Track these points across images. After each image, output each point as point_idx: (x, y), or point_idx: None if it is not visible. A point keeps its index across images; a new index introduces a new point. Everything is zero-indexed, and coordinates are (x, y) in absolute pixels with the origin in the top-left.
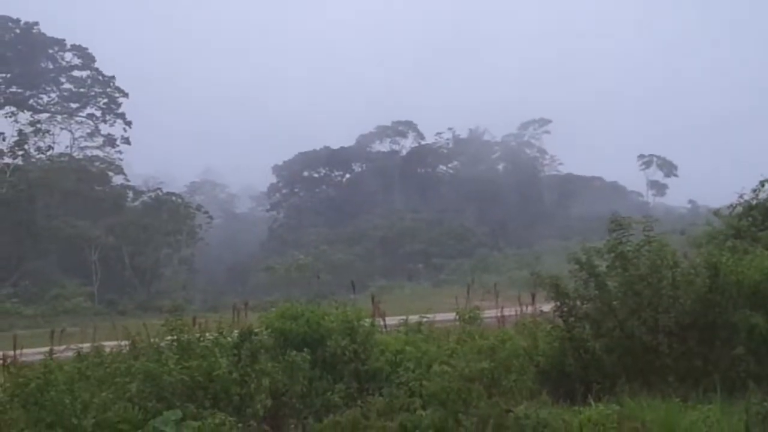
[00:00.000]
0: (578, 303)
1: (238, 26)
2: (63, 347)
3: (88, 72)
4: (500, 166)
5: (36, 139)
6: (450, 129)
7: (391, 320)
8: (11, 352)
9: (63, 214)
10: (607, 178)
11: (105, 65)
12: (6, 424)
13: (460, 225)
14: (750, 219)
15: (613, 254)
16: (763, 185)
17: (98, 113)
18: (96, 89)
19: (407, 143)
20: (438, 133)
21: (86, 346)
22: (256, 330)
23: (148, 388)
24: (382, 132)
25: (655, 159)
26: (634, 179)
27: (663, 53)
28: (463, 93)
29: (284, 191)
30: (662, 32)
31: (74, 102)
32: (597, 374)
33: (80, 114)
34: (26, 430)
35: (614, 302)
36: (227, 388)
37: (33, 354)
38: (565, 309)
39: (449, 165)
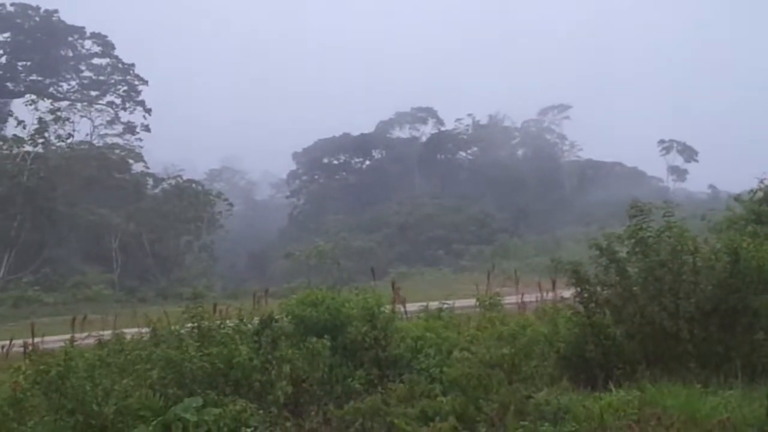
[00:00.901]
0: (599, 289)
1: (258, 13)
2: (84, 334)
3: (108, 60)
4: (520, 152)
5: (56, 127)
6: (470, 115)
7: (412, 307)
8: (32, 340)
9: (83, 202)
10: (627, 163)
11: (124, 53)
12: (27, 411)
13: (480, 211)
14: None
15: (633, 240)
16: None
17: (118, 101)
18: (116, 77)
19: (427, 129)
20: (458, 120)
21: (107, 334)
22: (276, 317)
23: (168, 375)
24: (402, 118)
25: (675, 144)
26: (654, 165)
27: (683, 37)
28: (483, 79)
29: (304, 178)
30: (683, 16)
31: (94, 90)
32: (618, 360)
33: (100, 102)
34: (47, 417)
35: (635, 288)
36: (248, 375)
37: (54, 341)
38: (586, 295)
39: (469, 151)
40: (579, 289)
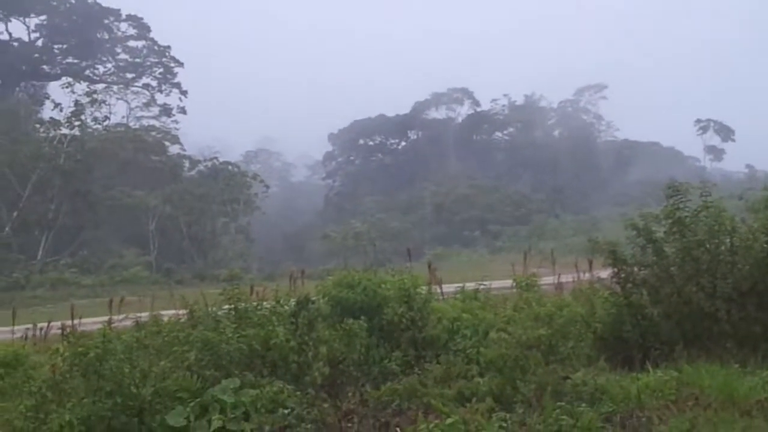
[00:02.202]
0: (636, 269)
1: None
2: (121, 316)
3: (144, 42)
4: (556, 133)
5: (93, 109)
6: (506, 95)
7: (448, 288)
8: (70, 322)
9: (120, 184)
10: (663, 143)
11: (160, 35)
12: (66, 393)
13: (517, 192)
14: None
15: (670, 220)
16: None
17: (154, 83)
18: (151, 59)
19: (463, 110)
20: (494, 100)
21: (144, 315)
22: (313, 298)
23: (206, 356)
24: (438, 99)
25: (712, 124)
26: (691, 144)
27: (720, 16)
28: (520, 59)
29: (340, 159)
30: None
31: (130, 72)
32: (655, 340)
33: (136, 84)
34: (86, 399)
35: (672, 268)
36: (285, 356)
37: (92, 323)
38: (623, 275)
39: (505, 132)
40: (616, 269)
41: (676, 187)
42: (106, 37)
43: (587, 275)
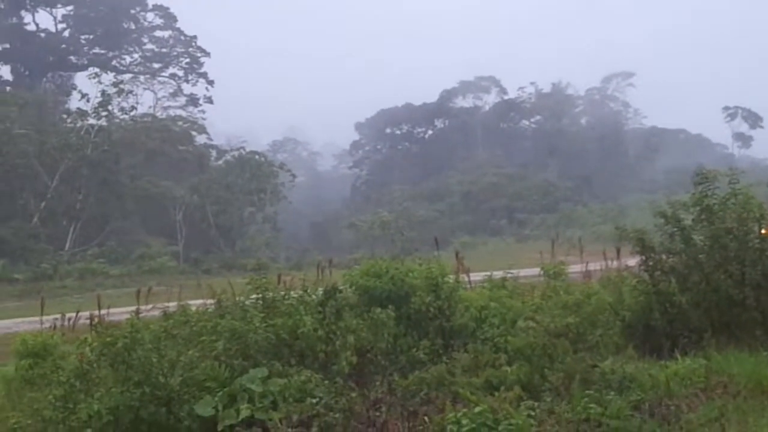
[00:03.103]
0: (664, 257)
1: None
2: (149, 306)
3: (170, 32)
4: (584, 120)
5: (119, 99)
6: (533, 83)
7: (475, 276)
8: (98, 312)
9: (147, 174)
10: (691, 130)
11: (186, 25)
12: (94, 382)
13: (544, 180)
14: None
15: (698, 207)
16: None
17: (180, 73)
18: (178, 49)
19: (490, 99)
20: (520, 88)
21: (172, 305)
22: (340, 287)
23: (234, 346)
24: (466, 87)
25: (740, 111)
26: (718, 131)
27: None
28: (546, 47)
29: (367, 148)
30: None
31: (156, 62)
32: (683, 328)
33: (163, 74)
34: (114, 388)
35: (700, 256)
36: (312, 346)
37: (120, 313)
38: (651, 263)
39: (532, 120)
40: (644, 257)
41: (704, 174)
42: (133, 27)
43: (615, 263)
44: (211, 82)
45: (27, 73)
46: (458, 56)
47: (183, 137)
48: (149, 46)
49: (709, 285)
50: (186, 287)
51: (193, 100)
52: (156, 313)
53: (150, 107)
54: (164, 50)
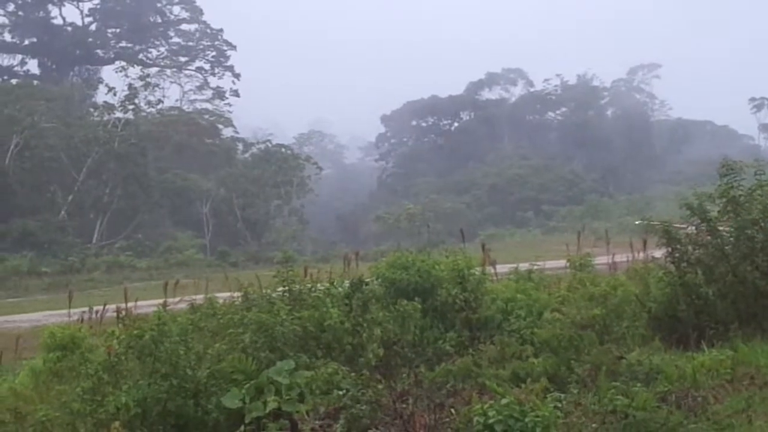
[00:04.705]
0: (690, 248)
1: None
2: (176, 299)
3: (196, 25)
4: (609, 112)
5: (146, 93)
6: (558, 75)
7: (502, 268)
8: (125, 304)
9: (174, 167)
10: (717, 122)
11: (212, 18)
12: (122, 375)
13: (570, 171)
14: None
15: (724, 199)
16: None
17: (207, 66)
18: (204, 42)
19: (516, 91)
20: (546, 80)
21: (199, 298)
22: (366, 280)
23: (260, 338)
24: (492, 80)
25: (766, 102)
26: (745, 123)
27: None
28: (572, 37)
29: (393, 141)
30: None
31: (183, 56)
32: (710, 320)
33: (189, 67)
34: (141, 381)
35: (726, 247)
36: (339, 338)
37: (147, 306)
38: (677, 254)
39: (558, 112)
40: (670, 248)
41: (730, 165)
42: (159, 20)
43: (641, 255)
44: (237, 75)
45: (54, 67)
46: (484, 49)
47: (209, 130)
48: (175, 39)
49: (736, 276)
50: (213, 280)
51: (219, 94)
52: (183, 305)
53: (176, 101)
54: (190, 43)
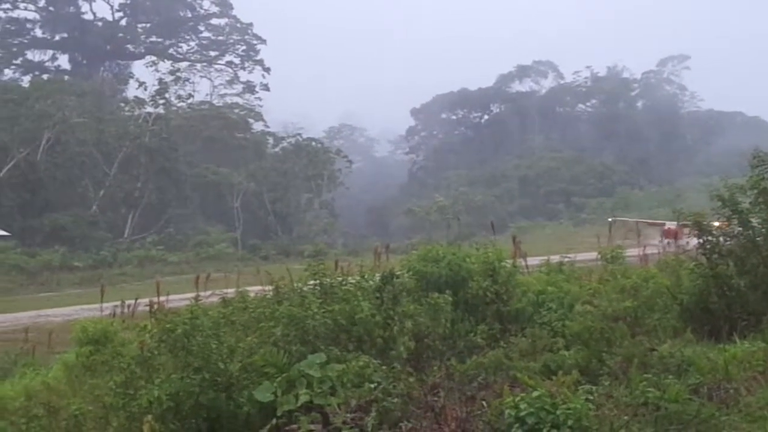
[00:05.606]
0: (722, 240)
1: None
2: (208, 293)
3: (226, 20)
4: (639, 104)
5: (176, 87)
6: (588, 67)
7: (533, 260)
8: (157, 298)
9: (205, 161)
10: (748, 113)
11: (242, 12)
12: (155, 369)
13: (600, 163)
14: None
15: (756, 190)
16: None
17: (237, 60)
18: (234, 37)
19: (546, 83)
20: (576, 72)
21: (230, 292)
22: (397, 273)
23: (292, 332)
24: (522, 72)
25: None
26: None
27: None
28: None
29: (423, 134)
30: None
31: (213, 50)
32: (741, 311)
33: (219, 62)
34: (174, 375)
35: (758, 238)
36: (370, 331)
37: (179, 300)
38: (709, 246)
39: (588, 104)
40: (702, 240)
41: (762, 156)
42: (189, 15)
43: (673, 247)
44: (267, 70)
45: (85, 62)
46: (514, 43)
47: (240, 124)
48: (206, 34)
49: (767, 268)
50: (244, 274)
51: (249, 88)
52: (215, 299)
53: (207, 95)
54: (220, 38)
